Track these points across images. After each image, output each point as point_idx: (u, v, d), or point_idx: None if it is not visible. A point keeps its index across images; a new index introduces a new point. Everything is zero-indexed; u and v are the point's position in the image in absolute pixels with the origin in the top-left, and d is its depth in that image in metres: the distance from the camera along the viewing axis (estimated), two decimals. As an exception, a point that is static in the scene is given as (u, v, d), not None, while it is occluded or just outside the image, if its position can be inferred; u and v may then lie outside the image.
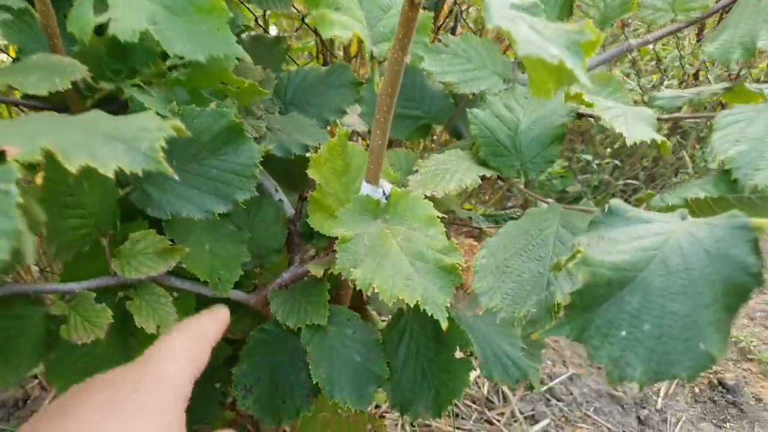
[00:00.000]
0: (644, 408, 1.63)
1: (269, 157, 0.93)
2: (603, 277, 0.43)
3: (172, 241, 0.75)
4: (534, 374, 0.84)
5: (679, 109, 0.65)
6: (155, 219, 0.75)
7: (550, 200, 0.66)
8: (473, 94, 0.92)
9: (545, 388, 1.68)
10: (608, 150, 2.69)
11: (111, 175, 0.42)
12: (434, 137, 1.09)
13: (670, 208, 0.56)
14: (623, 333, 0.43)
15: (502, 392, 1.66)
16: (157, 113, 0.68)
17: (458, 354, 0.76)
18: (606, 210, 0.49)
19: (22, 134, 0.41)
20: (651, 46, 1.65)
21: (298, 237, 0.97)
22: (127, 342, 0.76)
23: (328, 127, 1.01)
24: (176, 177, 0.52)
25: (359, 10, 0.66)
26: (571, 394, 1.67)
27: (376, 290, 0.58)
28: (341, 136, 0.81)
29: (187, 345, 0.54)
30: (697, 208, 0.55)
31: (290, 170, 1.12)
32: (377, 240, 0.64)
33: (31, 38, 0.72)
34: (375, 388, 0.76)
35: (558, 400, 1.65)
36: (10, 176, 0.37)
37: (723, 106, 0.74)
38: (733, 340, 1.84)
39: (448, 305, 0.58)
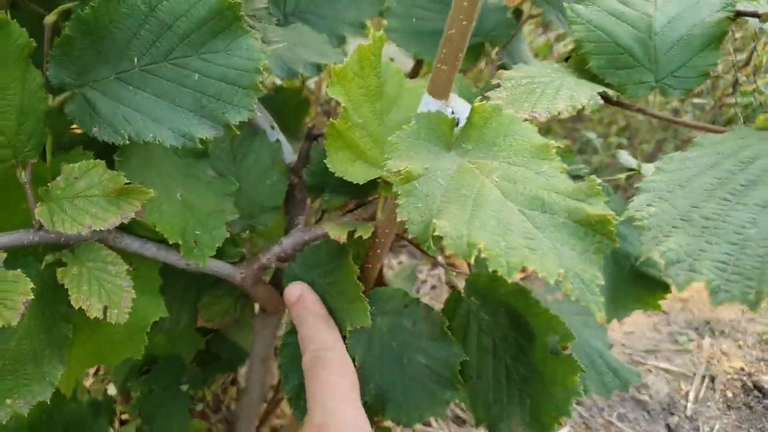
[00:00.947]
0: (673, 414, 1.44)
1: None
2: None
3: (127, 180, 0.50)
4: (635, 381, 0.61)
5: None
6: (104, 147, 0.49)
7: (723, 127, 0.43)
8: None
9: (562, 389, 1.48)
10: (614, 127, 2.50)
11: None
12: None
13: None
14: None
15: (515, 394, 1.45)
16: None
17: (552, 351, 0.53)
18: None
19: None
20: None
21: (301, 192, 0.72)
22: (58, 329, 0.51)
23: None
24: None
25: None
26: (592, 397, 1.47)
27: (482, 255, 0.34)
28: (377, 41, 0.57)
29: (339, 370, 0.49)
30: None
31: (279, 108, 0.87)
32: (459, 178, 0.41)
33: None
34: (450, 396, 0.53)
35: (578, 405, 1.44)
36: None
37: None
38: (764, 338, 1.67)
39: (601, 282, 0.34)
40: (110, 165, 0.51)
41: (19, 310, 0.45)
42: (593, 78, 0.51)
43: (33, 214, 0.48)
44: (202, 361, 0.82)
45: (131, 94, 0.48)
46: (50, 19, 0.47)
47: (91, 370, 1.24)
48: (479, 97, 0.47)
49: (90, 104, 0.48)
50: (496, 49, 0.72)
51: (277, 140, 0.71)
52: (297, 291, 0.58)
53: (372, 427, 0.48)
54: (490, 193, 0.39)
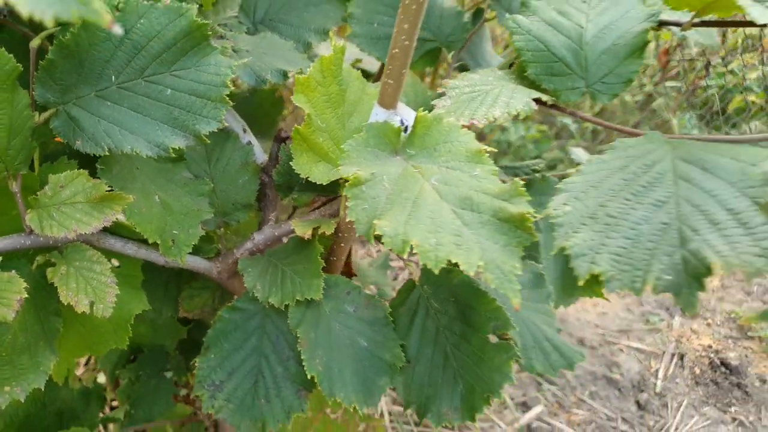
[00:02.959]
0: (643, 391, 1.51)
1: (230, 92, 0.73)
2: None
3: (110, 187, 0.55)
4: (579, 360, 0.67)
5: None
6: (87, 157, 0.54)
7: (638, 130, 0.49)
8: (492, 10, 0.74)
9: (537, 369, 1.54)
10: (589, 112, 2.55)
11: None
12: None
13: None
14: None
15: (491, 375, 1.51)
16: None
17: (493, 339, 0.59)
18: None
19: None
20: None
21: (272, 190, 0.77)
22: (49, 323, 0.56)
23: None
24: (118, 30, 0.31)
25: None
26: (565, 376, 1.53)
27: (414, 251, 0.39)
28: (337, 51, 0.62)
29: None
30: None
31: (254, 110, 0.92)
32: (402, 182, 0.46)
33: None
34: (386, 380, 0.58)
35: (551, 384, 1.51)
36: None
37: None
38: (731, 316, 1.74)
39: (519, 272, 0.40)
40: (93, 173, 0.56)
41: (13, 308, 0.50)
42: (531, 84, 0.56)
43: (24, 221, 0.53)
44: (184, 350, 0.87)
45: (110, 110, 0.53)
46: (35, 43, 0.51)
47: (82, 361, 1.29)
48: (422, 108, 0.52)
49: (73, 120, 0.52)
50: (452, 52, 0.77)
51: (249, 142, 0.76)
52: None
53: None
54: (429, 195, 0.44)
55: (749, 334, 1.67)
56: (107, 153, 0.52)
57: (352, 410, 0.74)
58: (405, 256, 0.39)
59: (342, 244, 0.64)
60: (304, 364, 0.57)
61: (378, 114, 0.52)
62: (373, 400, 0.59)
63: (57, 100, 0.52)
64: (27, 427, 0.79)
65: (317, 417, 0.76)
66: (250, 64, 0.70)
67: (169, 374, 0.86)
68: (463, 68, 0.83)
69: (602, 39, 0.54)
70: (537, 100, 0.54)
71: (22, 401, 0.53)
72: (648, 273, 0.35)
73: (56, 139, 0.62)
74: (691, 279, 0.34)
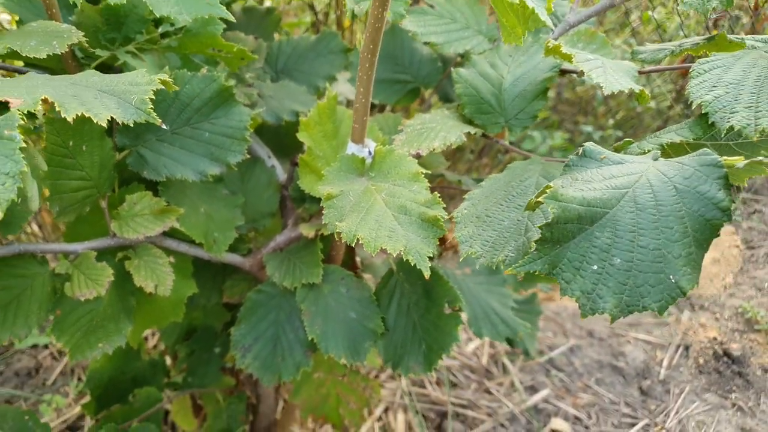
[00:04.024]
0: (646, 379, 1.64)
1: (262, 124, 0.95)
2: (573, 212, 0.44)
3: (167, 203, 0.77)
4: (526, 333, 0.85)
5: (661, 61, 0.66)
6: (151, 182, 0.77)
7: (532, 153, 0.67)
8: (461, 56, 0.93)
9: (545, 358, 1.70)
10: (611, 121, 2.68)
11: (104, 123, 0.44)
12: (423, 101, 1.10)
13: (647, 153, 0.57)
14: (594, 267, 0.45)
15: (502, 363, 1.68)
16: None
17: (447, 311, 0.78)
18: (580, 153, 0.50)
19: (23, 88, 0.44)
20: (652, 14, 1.64)
21: (290, 201, 0.99)
22: (127, 300, 0.79)
23: (319, 95, 1.02)
24: (165, 126, 0.53)
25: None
26: (572, 364, 1.69)
27: (360, 242, 0.60)
28: (330, 99, 0.83)
29: None
30: (674, 152, 0.56)
31: (282, 138, 1.14)
32: (362, 196, 0.66)
33: (31, 10, 0.74)
34: (370, 343, 0.78)
35: (558, 371, 1.66)
36: (13, 123, 0.39)
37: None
38: (739, 311, 1.84)
39: (431, 255, 0.59)
40: (156, 193, 0.78)
41: (105, 287, 0.73)
42: (467, 120, 0.76)
43: (109, 228, 0.76)
44: (229, 330, 1.10)
45: (167, 149, 0.75)
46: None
47: (151, 340, 1.55)
48: (382, 141, 0.73)
49: (141, 157, 0.75)
50: (429, 91, 0.96)
51: (272, 165, 0.97)
52: None
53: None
54: (378, 204, 0.64)
55: (756, 327, 1.78)
56: (165, 179, 0.75)
57: (350, 370, 0.95)
58: (373, 253, 0.59)
59: (338, 243, 0.84)
60: (306, 329, 0.77)
61: (351, 147, 0.72)
62: (359, 357, 0.79)
63: (130, 143, 0.75)
64: (110, 388, 1.03)
65: (328, 378, 0.96)
66: (271, 105, 0.93)
67: (217, 350, 1.09)
68: (445, 94, 1.03)
69: (516, 86, 0.73)
70: (469, 134, 0.73)
71: (110, 354, 0.76)
72: (502, 253, 0.54)
73: (129, 169, 0.86)
74: (524, 255, 0.53)
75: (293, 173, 0.95)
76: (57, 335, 0.75)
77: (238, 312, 0.86)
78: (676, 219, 0.45)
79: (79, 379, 1.53)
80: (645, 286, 0.44)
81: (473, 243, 0.57)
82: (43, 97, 0.43)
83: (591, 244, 0.45)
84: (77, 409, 1.41)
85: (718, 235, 0.46)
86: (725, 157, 0.46)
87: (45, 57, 0.58)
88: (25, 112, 0.42)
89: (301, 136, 0.81)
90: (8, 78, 0.50)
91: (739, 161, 0.44)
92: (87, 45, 0.70)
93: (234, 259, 0.90)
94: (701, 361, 1.71)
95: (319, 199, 0.89)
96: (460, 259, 0.57)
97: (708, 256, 1.98)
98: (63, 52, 0.59)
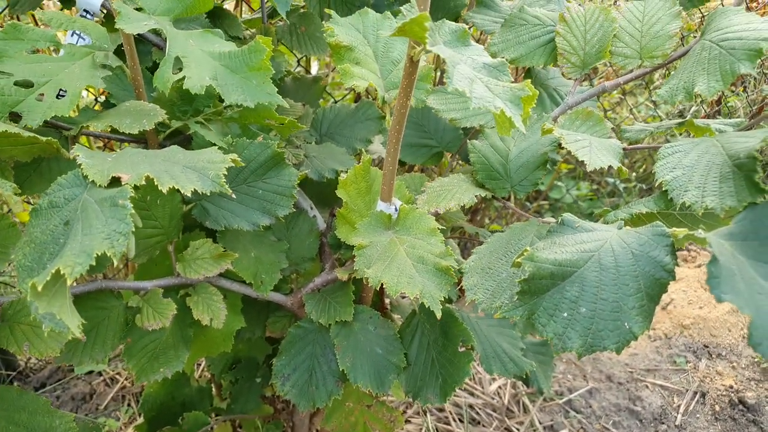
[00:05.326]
0: (663, 423, 1.70)
1: (306, 180, 1.10)
2: (546, 271, 0.56)
3: (224, 248, 0.92)
4: (537, 371, 0.96)
5: (642, 140, 0.78)
6: (211, 230, 0.91)
7: (529, 215, 0.80)
8: (480, 125, 1.07)
9: (564, 399, 1.78)
10: (635, 174, 2.77)
11: (189, 194, 0.58)
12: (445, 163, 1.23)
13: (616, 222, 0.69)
14: (565, 314, 0.57)
15: (523, 403, 1.76)
16: (216, 145, 0.86)
17: (461, 349, 0.90)
18: (560, 221, 0.62)
19: (129, 164, 0.58)
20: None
21: (328, 247, 1.12)
22: (186, 332, 0.93)
23: (356, 156, 1.17)
24: (234, 197, 0.68)
25: (374, 63, 0.82)
26: (590, 407, 1.76)
27: (384, 286, 0.72)
28: (365, 162, 0.97)
29: None
30: (639, 221, 0.68)
31: (323, 191, 1.28)
32: (387, 247, 0.79)
33: (121, 87, 0.90)
34: (394, 376, 0.90)
35: (577, 413, 1.74)
36: (126, 194, 0.54)
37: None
38: (756, 360, 1.89)
39: (443, 299, 0.72)
40: (215, 239, 0.93)
41: (169, 319, 0.87)
42: (479, 184, 0.88)
43: (174, 268, 0.91)
44: (270, 361, 1.23)
45: (226, 203, 0.90)
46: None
47: (198, 369, 1.69)
48: (405, 201, 0.86)
49: (204, 209, 0.90)
50: (450, 154, 1.10)
51: (314, 215, 1.12)
52: None
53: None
54: (400, 254, 0.77)
55: (770, 376, 1.82)
56: (223, 229, 0.90)
57: (377, 401, 1.06)
58: (394, 296, 0.71)
59: (367, 286, 0.97)
60: (338, 361, 0.90)
61: (380, 205, 0.86)
62: (384, 388, 0.91)
63: (196, 198, 0.90)
64: (162, 412, 1.16)
65: (357, 407, 1.08)
66: (315, 164, 1.08)
67: (258, 380, 1.21)
68: (466, 156, 1.16)
69: (520, 157, 0.86)
70: (480, 196, 0.86)
71: (168, 378, 0.90)
72: (498, 300, 0.66)
73: (192, 217, 1.01)
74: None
75: (331, 223, 1.09)
76: (127, 359, 0.89)
77: (278, 345, 0.99)
78: (632, 278, 0.57)
79: (129, 404, 1.68)
80: (605, 331, 0.56)
81: (477, 291, 0.69)
82: (145, 175, 0.57)
83: (562, 296, 0.57)
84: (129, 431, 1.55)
85: (666, 291, 0.57)
86: (673, 228, 0.57)
87: (137, 133, 0.74)
88: (132, 185, 0.57)
89: (339, 192, 0.95)
90: (114, 154, 0.65)
91: (682, 233, 0.56)
92: (166, 119, 0.86)
93: (278, 297, 1.03)
94: (717, 408, 1.76)
95: (353, 247, 1.03)
96: (466, 303, 0.70)
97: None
98: (150, 129, 0.75)
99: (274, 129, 0.99)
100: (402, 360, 0.91)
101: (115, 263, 0.54)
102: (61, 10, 1.11)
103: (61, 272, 0.48)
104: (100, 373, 1.76)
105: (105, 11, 0.92)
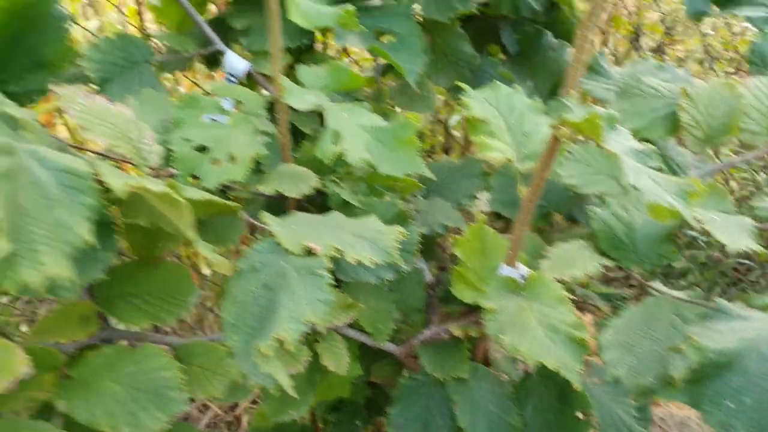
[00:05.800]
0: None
1: (411, 231, 1.15)
2: (710, 360, 0.59)
3: (352, 301, 0.97)
4: (644, 437, 0.97)
5: (775, 218, 0.80)
6: (338, 280, 0.97)
7: (662, 288, 0.82)
8: (600, 191, 1.10)
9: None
10: None
11: (367, 263, 0.63)
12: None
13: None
14: (730, 404, 0.59)
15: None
16: (353, 203, 0.92)
17: (580, 416, 0.92)
18: (716, 308, 0.65)
19: (311, 234, 0.64)
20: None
21: (437, 300, 1.16)
22: (313, 376, 0.98)
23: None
24: (404, 266, 0.75)
25: (507, 136, 0.86)
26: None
27: (522, 355, 0.76)
28: (481, 222, 1.01)
29: None
30: (786, 307, 0.70)
31: (428, 243, 1.33)
32: (517, 313, 0.82)
33: (271, 150, 0.97)
34: None
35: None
36: (323, 265, 0.59)
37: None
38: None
39: (578, 370, 0.74)
40: (341, 289, 0.98)
41: (303, 364, 0.92)
42: (602, 252, 0.91)
43: (303, 317, 0.96)
44: (369, 406, 1.27)
45: (355, 258, 0.95)
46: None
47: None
48: (535, 263, 0.89)
49: (335, 260, 0.95)
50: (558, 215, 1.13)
51: (422, 267, 1.16)
52: None
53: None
54: (531, 322, 0.81)
55: None
56: (351, 280, 0.95)
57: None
58: (532, 365, 0.74)
59: (480, 345, 1.01)
60: (458, 418, 0.93)
61: (504, 269, 0.90)
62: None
63: (328, 253, 0.96)
64: (267, 446, 1.22)
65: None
66: (425, 218, 1.13)
67: (358, 422, 1.26)
68: (571, 216, 1.19)
69: (646, 228, 0.88)
70: (603, 264, 0.89)
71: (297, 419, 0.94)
72: (643, 378, 0.69)
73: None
74: (663, 384, 0.67)
75: (440, 276, 1.13)
76: (263, 400, 0.95)
77: (379, 392, 1.03)
78: (792, 369, 0.58)
79: None
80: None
81: (618, 367, 0.72)
82: (333, 246, 0.63)
83: (727, 385, 0.59)
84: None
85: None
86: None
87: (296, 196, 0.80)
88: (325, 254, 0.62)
89: (456, 250, 0.99)
90: (290, 220, 0.71)
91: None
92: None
93: (390, 346, 1.07)
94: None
95: (462, 303, 1.06)
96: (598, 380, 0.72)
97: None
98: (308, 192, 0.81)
99: (396, 188, 1.05)
100: (517, 420, 0.94)
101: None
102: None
103: (280, 337, 0.54)
104: (193, 400, 1.83)
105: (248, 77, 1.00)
